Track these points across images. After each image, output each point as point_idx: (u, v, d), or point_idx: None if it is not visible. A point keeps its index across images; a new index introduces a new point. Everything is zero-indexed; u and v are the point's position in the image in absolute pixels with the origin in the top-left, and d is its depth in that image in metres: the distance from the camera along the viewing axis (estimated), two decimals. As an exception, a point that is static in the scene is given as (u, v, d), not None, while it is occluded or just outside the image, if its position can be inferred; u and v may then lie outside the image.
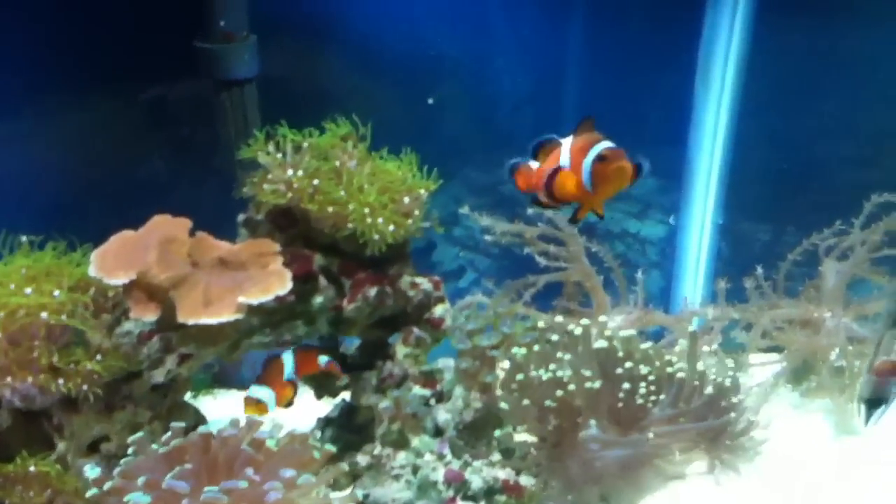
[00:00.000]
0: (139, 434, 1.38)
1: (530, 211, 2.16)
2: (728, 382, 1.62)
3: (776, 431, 2.11)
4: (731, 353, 2.25)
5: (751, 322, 2.25)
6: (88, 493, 1.26)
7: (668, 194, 2.94)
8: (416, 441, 1.68)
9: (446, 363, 1.87)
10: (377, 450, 1.68)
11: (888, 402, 1.54)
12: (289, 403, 1.84)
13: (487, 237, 2.23)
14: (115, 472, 1.29)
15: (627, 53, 2.90)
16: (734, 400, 1.63)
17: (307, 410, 2.00)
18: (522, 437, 1.62)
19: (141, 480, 1.31)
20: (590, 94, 3.00)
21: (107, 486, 1.25)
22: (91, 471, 1.29)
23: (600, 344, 1.52)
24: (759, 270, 2.24)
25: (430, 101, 2.95)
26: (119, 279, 1.52)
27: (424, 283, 1.91)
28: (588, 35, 3.05)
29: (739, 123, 2.65)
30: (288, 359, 1.82)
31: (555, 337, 1.53)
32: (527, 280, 2.27)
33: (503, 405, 1.51)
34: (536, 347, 1.55)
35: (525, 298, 2.22)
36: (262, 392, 1.77)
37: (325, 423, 1.99)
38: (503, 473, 1.62)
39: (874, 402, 1.55)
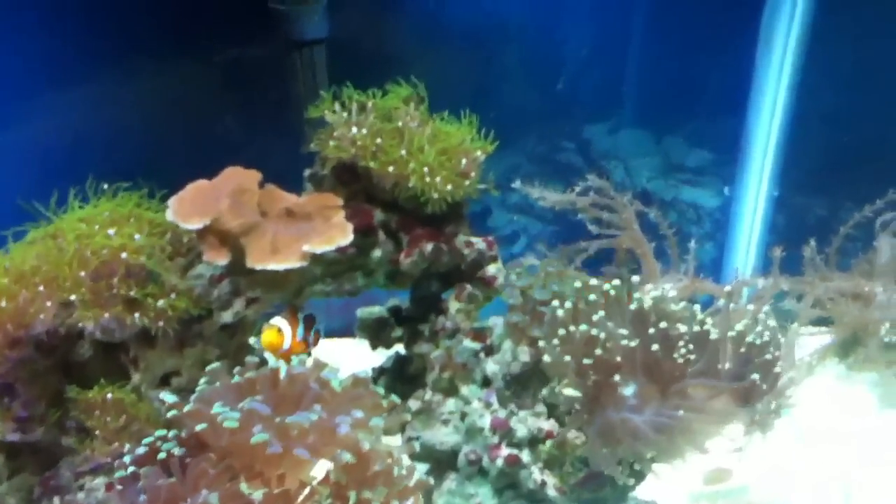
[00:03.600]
0: (216, 364, 1.48)
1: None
2: (765, 340, 1.64)
3: (821, 402, 2.14)
4: (781, 322, 2.29)
5: (802, 293, 2.28)
6: (168, 415, 1.36)
7: (724, 165, 2.95)
8: (464, 389, 1.76)
9: (497, 320, 1.95)
10: (428, 395, 1.77)
11: None
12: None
13: (541, 204, 2.29)
14: (192, 398, 1.40)
15: (689, 23, 2.90)
16: (771, 358, 1.65)
17: (362, 358, 2.11)
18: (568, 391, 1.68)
19: (218, 405, 1.42)
20: (650, 64, 3.01)
21: (186, 408, 1.36)
22: (168, 397, 1.40)
23: (639, 304, 1.57)
24: (813, 243, 2.26)
25: (559, 85, 3.00)
26: (194, 224, 1.62)
27: (479, 242, 1.97)
28: (650, 4, 3.06)
29: (799, 96, 2.63)
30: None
31: (593, 296, 1.58)
32: (579, 245, 2.32)
33: (546, 358, 1.57)
34: (577, 305, 1.60)
35: (576, 263, 2.28)
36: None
37: (379, 372, 2.09)
38: (547, 424, 1.70)
39: None
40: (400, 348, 2.06)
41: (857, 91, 2.68)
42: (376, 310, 2.07)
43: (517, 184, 2.28)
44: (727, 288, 2.26)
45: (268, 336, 1.70)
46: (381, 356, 2.13)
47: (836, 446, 2.04)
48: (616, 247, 2.39)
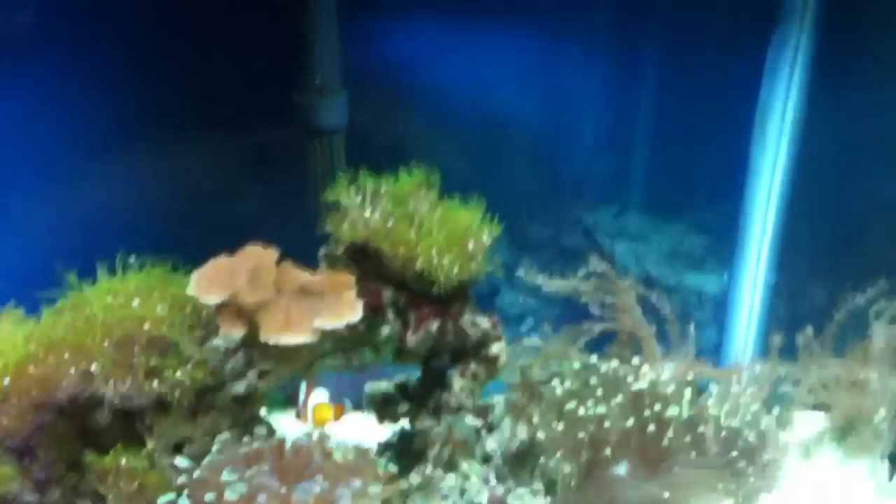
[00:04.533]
0: (226, 434, 1.56)
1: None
2: (751, 425, 1.70)
3: (816, 487, 2.17)
4: (779, 407, 2.34)
5: (798, 379, 2.33)
6: (179, 481, 1.44)
7: (723, 251, 3.03)
8: (464, 465, 1.83)
9: (499, 398, 2.02)
10: (429, 470, 1.83)
11: None
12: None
13: (546, 289, 2.37)
14: (202, 465, 1.48)
15: (687, 115, 3.03)
16: (756, 443, 1.70)
17: (369, 433, 2.17)
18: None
19: (226, 472, 1.50)
20: (650, 153, 3.14)
21: (195, 474, 1.44)
22: (182, 461, 1.47)
23: (635, 386, 1.65)
24: (809, 330, 2.33)
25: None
26: (213, 299, 1.72)
27: (484, 321, 2.05)
28: (650, 97, 3.21)
29: (793, 185, 2.73)
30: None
31: (593, 378, 1.66)
32: (583, 327, 2.40)
33: (540, 435, 1.63)
34: (575, 385, 1.68)
35: (579, 344, 2.35)
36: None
37: (385, 446, 2.15)
38: (544, 501, 1.75)
39: None
40: (406, 423, 2.13)
41: (850, 180, 2.77)
42: (384, 385, 2.14)
43: (521, 272, 2.37)
44: (724, 372, 2.35)
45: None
46: (389, 429, 2.20)
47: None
48: (618, 329, 2.47)
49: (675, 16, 3.00)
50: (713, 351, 3.00)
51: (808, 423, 2.33)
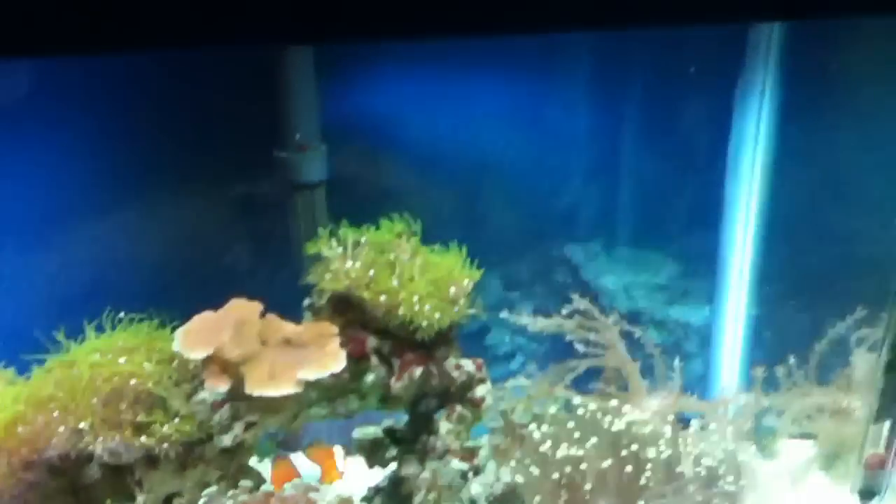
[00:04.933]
0: (213, 488, 1.60)
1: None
2: (733, 469, 1.73)
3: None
4: (763, 438, 2.37)
5: (782, 409, 2.36)
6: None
7: (705, 285, 3.08)
8: (450, 509, 1.86)
9: (486, 440, 2.05)
10: (415, 516, 1.86)
11: (881, 494, 1.64)
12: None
13: (531, 328, 2.42)
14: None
15: (664, 154, 3.11)
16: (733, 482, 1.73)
17: (359, 478, 2.20)
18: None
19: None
20: (630, 190, 3.21)
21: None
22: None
23: (612, 427, 1.68)
24: (792, 360, 2.36)
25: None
26: (198, 354, 1.76)
27: (468, 364, 2.08)
28: (628, 138, 3.28)
29: (767, 219, 2.79)
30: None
31: (570, 422, 1.69)
32: (569, 364, 2.43)
33: (518, 478, 1.66)
34: (552, 428, 1.71)
35: (566, 382, 2.38)
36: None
37: (374, 491, 2.18)
38: (529, 545, 1.78)
39: (867, 494, 1.65)
40: (395, 467, 2.16)
41: (823, 213, 2.83)
42: (371, 430, 2.17)
43: (505, 314, 2.41)
44: (709, 405, 2.38)
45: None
46: (380, 474, 2.23)
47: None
48: (604, 365, 2.50)
49: (649, 60, 3.08)
50: (699, 383, 3.03)
51: (795, 452, 2.36)
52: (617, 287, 3.35)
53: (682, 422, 2.11)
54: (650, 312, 3.36)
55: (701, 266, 2.98)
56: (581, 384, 2.43)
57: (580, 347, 2.38)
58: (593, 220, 3.37)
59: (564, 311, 2.38)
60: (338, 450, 2.01)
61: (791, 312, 2.89)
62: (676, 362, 2.39)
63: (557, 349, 2.46)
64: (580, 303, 2.36)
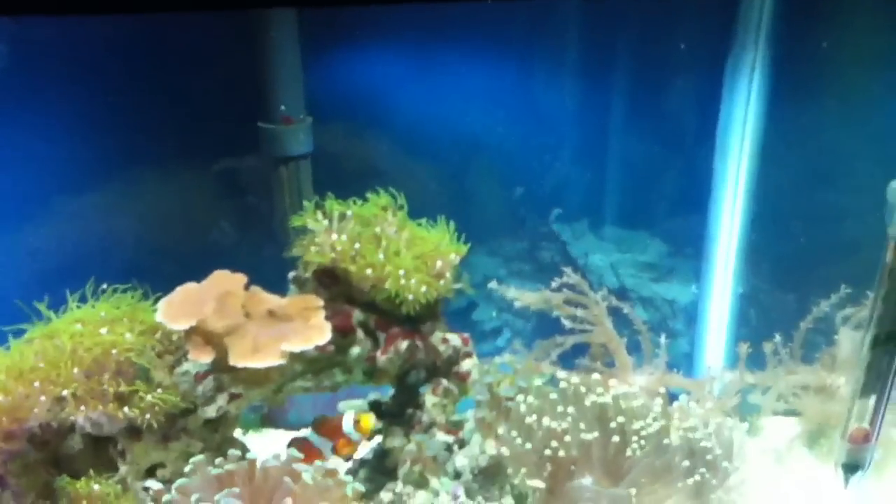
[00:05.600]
0: (199, 457, 1.59)
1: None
2: (717, 443, 1.73)
3: (786, 491, 2.21)
4: (748, 415, 2.38)
5: (767, 387, 2.37)
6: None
7: (692, 264, 3.09)
8: (434, 482, 1.85)
9: (471, 414, 2.05)
10: (399, 488, 1.86)
11: (864, 467, 1.65)
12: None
13: (517, 304, 2.41)
14: (173, 487, 1.50)
15: (654, 132, 3.11)
16: (718, 455, 1.73)
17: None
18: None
19: (195, 497, 1.53)
20: (617, 168, 3.20)
21: (164, 498, 1.47)
22: (153, 484, 1.50)
23: (597, 399, 1.68)
24: (778, 338, 2.37)
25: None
26: (180, 325, 1.75)
27: (454, 339, 2.08)
28: (616, 115, 3.27)
29: (756, 197, 2.79)
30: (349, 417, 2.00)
31: (553, 394, 1.69)
32: (556, 340, 2.43)
33: (504, 451, 1.66)
34: (537, 401, 1.71)
35: (552, 358, 2.38)
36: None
37: (360, 464, 2.18)
38: (512, 516, 1.78)
39: (851, 468, 1.66)
40: (380, 440, 2.16)
41: (810, 192, 2.84)
42: (357, 403, 2.17)
43: (493, 284, 2.41)
44: (694, 382, 2.39)
45: (368, 422, 1.85)
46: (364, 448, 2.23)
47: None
48: (590, 341, 2.51)
49: (639, 37, 3.07)
50: (686, 360, 3.04)
51: (780, 429, 2.37)
52: (604, 264, 3.35)
53: (669, 398, 2.12)
54: (637, 290, 3.36)
55: (688, 245, 2.99)
56: (568, 361, 2.44)
57: (567, 323, 2.40)
58: (580, 199, 3.37)
59: (553, 285, 2.39)
60: (347, 417, 1.98)
61: (777, 291, 2.91)
62: (662, 339, 2.40)
63: (544, 326, 2.47)
64: (571, 277, 2.37)
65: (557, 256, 3.38)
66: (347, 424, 1.95)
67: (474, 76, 3.08)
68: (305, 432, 1.98)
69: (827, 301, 2.28)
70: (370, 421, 1.95)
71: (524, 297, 2.39)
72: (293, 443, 1.93)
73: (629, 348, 2.44)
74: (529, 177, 3.32)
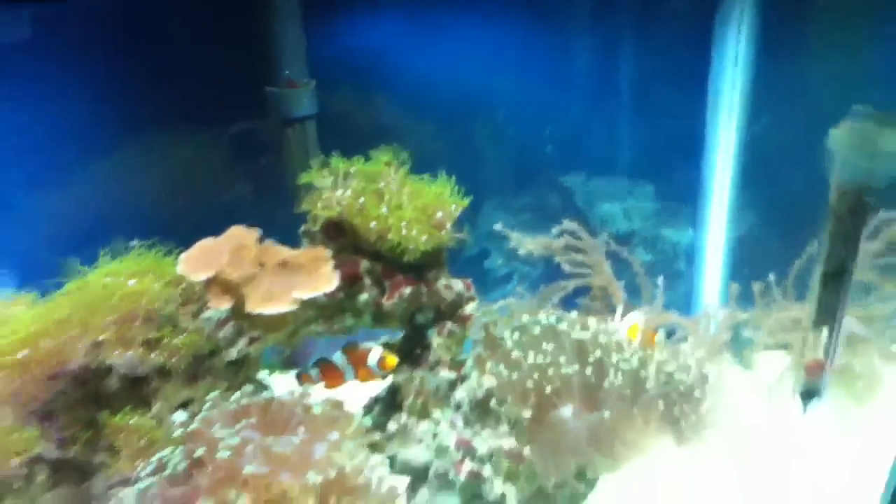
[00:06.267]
0: (215, 392, 1.78)
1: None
2: (687, 369, 1.86)
3: (776, 421, 2.33)
4: (742, 350, 2.50)
5: (759, 323, 2.49)
6: (175, 433, 1.66)
7: (687, 209, 3.18)
8: (436, 413, 2.03)
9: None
10: (403, 418, 2.04)
11: (820, 394, 1.77)
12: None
13: (521, 251, 2.56)
14: (196, 419, 1.70)
15: (651, 87, 3.19)
16: (691, 385, 1.86)
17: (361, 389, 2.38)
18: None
19: (216, 427, 1.71)
20: (616, 122, 3.30)
21: (190, 427, 1.66)
22: (179, 416, 1.70)
23: (578, 335, 1.82)
24: (771, 277, 2.48)
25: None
26: (200, 277, 1.94)
27: (458, 284, 2.24)
28: (614, 70, 3.36)
29: (746, 146, 2.87)
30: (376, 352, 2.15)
31: (537, 329, 1.84)
32: (559, 285, 2.58)
33: (492, 381, 1.82)
34: (523, 337, 1.86)
35: (554, 301, 2.53)
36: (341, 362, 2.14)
37: (374, 400, 2.36)
38: (507, 442, 1.94)
39: (808, 395, 1.78)
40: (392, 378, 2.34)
41: (797, 139, 2.90)
42: (370, 345, 2.35)
43: (498, 226, 2.55)
44: (688, 320, 2.52)
45: (392, 361, 2.02)
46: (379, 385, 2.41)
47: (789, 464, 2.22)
48: (591, 285, 2.64)
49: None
50: (685, 302, 3.15)
51: (772, 363, 2.49)
52: (604, 212, 3.47)
53: (667, 335, 2.25)
54: (637, 235, 3.48)
55: (684, 192, 3.09)
56: (571, 304, 2.58)
57: (567, 267, 2.54)
58: (580, 150, 3.48)
59: (554, 231, 2.53)
60: (375, 352, 2.14)
61: (770, 234, 3.00)
62: (660, 281, 2.53)
63: (551, 273, 2.61)
64: (569, 225, 2.50)
65: (561, 206, 3.51)
66: (373, 359, 2.12)
67: (474, 33, 3.18)
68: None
69: (817, 241, 2.37)
70: (394, 360, 2.12)
71: (526, 243, 2.54)
72: (319, 362, 2.11)
73: (630, 290, 2.57)
74: (531, 131, 3.43)
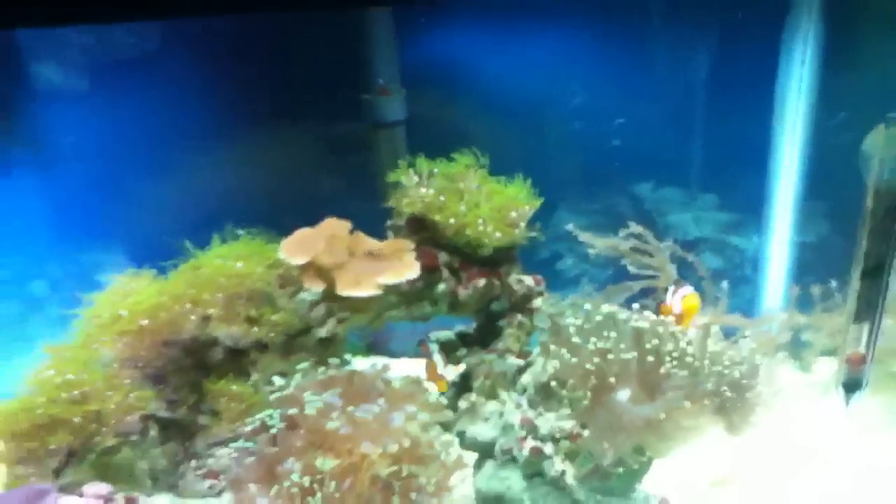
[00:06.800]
0: (306, 363, 2.00)
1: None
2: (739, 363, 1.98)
3: (829, 421, 2.40)
4: (800, 352, 2.59)
5: (819, 326, 2.58)
6: (272, 396, 1.88)
7: (756, 216, 3.25)
8: (503, 394, 2.20)
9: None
10: (473, 398, 2.21)
11: (862, 387, 1.86)
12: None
13: (591, 250, 2.71)
14: (291, 385, 1.91)
15: (718, 96, 3.30)
16: (742, 377, 1.97)
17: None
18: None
19: (307, 394, 1.92)
20: (687, 132, 3.42)
21: (286, 391, 1.88)
22: (276, 380, 1.91)
23: (637, 324, 1.97)
24: (833, 283, 2.57)
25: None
26: (297, 261, 2.16)
27: (528, 279, 2.41)
28: (683, 79, 3.48)
29: (812, 155, 2.95)
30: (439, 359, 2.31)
31: (598, 317, 1.99)
32: (625, 285, 2.72)
33: (554, 365, 1.98)
34: (584, 324, 2.01)
35: (619, 300, 2.67)
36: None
37: (450, 385, 2.55)
38: (568, 423, 2.10)
39: (850, 387, 1.87)
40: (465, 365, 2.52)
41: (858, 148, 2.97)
42: (445, 334, 2.54)
43: (570, 226, 2.71)
44: (750, 321, 2.63)
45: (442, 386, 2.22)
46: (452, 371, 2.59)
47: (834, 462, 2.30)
48: (656, 286, 2.77)
49: (702, 8, 3.26)
50: (748, 306, 3.23)
51: (830, 366, 2.57)
52: (673, 219, 3.58)
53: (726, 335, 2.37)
54: (704, 242, 3.58)
55: (750, 199, 3.17)
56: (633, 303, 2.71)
57: (633, 269, 2.68)
58: (652, 159, 3.60)
59: (621, 234, 2.68)
60: (438, 359, 2.32)
61: (834, 241, 3.06)
62: (724, 285, 2.65)
63: (619, 277, 2.76)
64: (636, 228, 2.65)
65: (631, 211, 3.64)
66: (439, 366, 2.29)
67: (555, 44, 3.35)
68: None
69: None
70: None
71: (596, 241, 2.70)
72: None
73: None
74: (606, 139, 3.58)
